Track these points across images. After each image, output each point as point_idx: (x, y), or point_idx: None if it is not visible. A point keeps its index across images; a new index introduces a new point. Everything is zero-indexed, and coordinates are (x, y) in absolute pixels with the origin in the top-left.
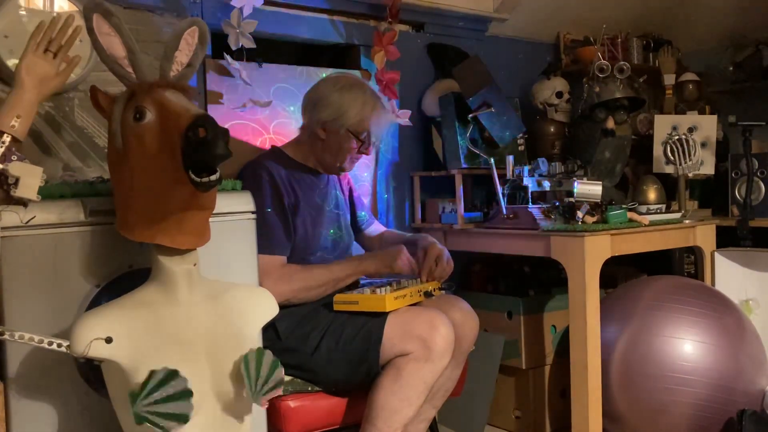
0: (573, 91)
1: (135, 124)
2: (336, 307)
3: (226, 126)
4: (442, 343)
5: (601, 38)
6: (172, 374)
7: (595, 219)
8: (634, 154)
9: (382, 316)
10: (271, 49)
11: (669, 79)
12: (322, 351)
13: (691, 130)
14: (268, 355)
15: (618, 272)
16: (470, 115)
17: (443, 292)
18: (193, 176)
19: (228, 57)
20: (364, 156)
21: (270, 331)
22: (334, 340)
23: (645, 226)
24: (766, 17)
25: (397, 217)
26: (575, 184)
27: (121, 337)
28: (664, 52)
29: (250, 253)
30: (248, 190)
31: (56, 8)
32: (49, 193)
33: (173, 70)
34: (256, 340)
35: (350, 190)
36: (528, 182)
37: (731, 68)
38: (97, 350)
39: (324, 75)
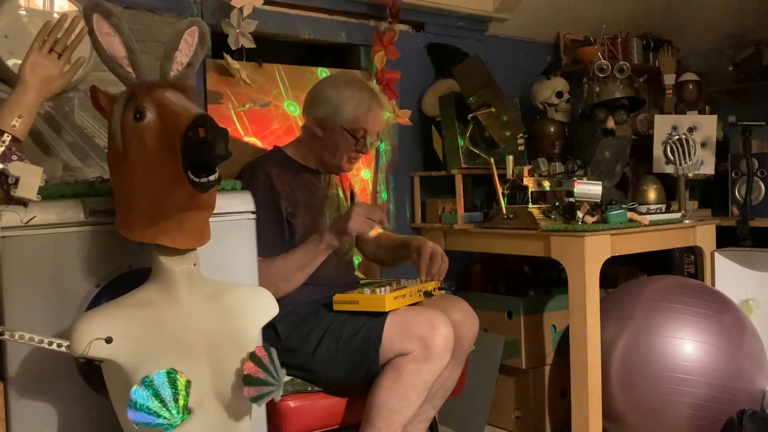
0: (573, 91)
1: (135, 124)
2: (336, 307)
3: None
4: (442, 343)
5: (601, 38)
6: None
7: (595, 219)
8: (634, 154)
9: (382, 315)
10: (271, 49)
11: (669, 79)
12: (322, 351)
13: (691, 130)
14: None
15: (618, 272)
16: (470, 115)
17: (443, 291)
18: (192, 176)
19: (228, 57)
20: (364, 155)
21: (270, 331)
22: (334, 340)
23: (645, 226)
24: (766, 17)
25: (397, 217)
26: (575, 184)
27: (121, 337)
28: (664, 52)
29: (250, 253)
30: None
31: (56, 8)
32: (49, 193)
33: (173, 70)
34: (256, 340)
35: (351, 192)
36: (528, 182)
37: (731, 68)
38: (97, 350)
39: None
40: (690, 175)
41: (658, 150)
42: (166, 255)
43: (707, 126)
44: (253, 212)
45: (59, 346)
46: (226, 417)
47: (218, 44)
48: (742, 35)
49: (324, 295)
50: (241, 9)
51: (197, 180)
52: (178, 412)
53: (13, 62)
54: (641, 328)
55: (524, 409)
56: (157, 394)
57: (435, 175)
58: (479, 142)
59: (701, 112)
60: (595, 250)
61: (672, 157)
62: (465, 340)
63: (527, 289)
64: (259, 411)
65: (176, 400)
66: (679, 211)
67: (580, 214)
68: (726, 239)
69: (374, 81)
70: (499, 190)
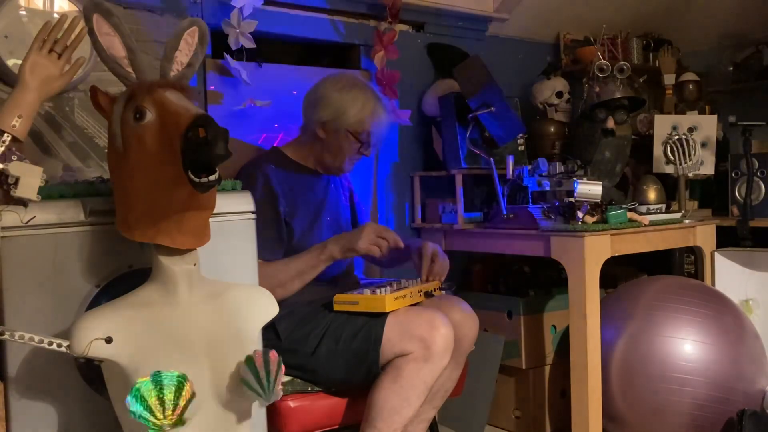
0: (573, 91)
1: (135, 125)
2: (336, 308)
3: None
4: (442, 343)
5: (601, 38)
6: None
7: (595, 219)
8: (634, 154)
9: (382, 316)
10: (271, 49)
11: (669, 79)
12: (322, 351)
13: (691, 130)
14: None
15: (618, 272)
16: (470, 115)
17: (443, 292)
18: (192, 176)
19: (228, 57)
20: (363, 156)
21: (270, 331)
22: (334, 340)
23: (645, 226)
24: (766, 17)
25: (397, 217)
26: (575, 184)
27: (121, 337)
28: (664, 52)
29: (250, 253)
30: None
31: (56, 8)
32: (49, 193)
33: (173, 70)
34: (256, 341)
35: (350, 192)
36: (528, 182)
37: (731, 68)
38: (97, 350)
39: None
40: (690, 175)
41: (658, 150)
42: (166, 255)
43: (707, 126)
44: (252, 212)
45: (59, 346)
46: (226, 417)
47: (218, 44)
48: (742, 35)
49: (324, 296)
50: (241, 9)
51: (197, 180)
52: (170, 419)
53: (13, 62)
54: (641, 328)
55: (524, 409)
56: (160, 392)
57: (435, 175)
58: (479, 142)
59: (701, 112)
60: (595, 250)
61: (672, 157)
62: (465, 340)
63: (527, 289)
64: (259, 411)
65: (174, 407)
66: (679, 211)
67: (580, 214)
68: (726, 239)
69: (374, 81)
70: (499, 190)
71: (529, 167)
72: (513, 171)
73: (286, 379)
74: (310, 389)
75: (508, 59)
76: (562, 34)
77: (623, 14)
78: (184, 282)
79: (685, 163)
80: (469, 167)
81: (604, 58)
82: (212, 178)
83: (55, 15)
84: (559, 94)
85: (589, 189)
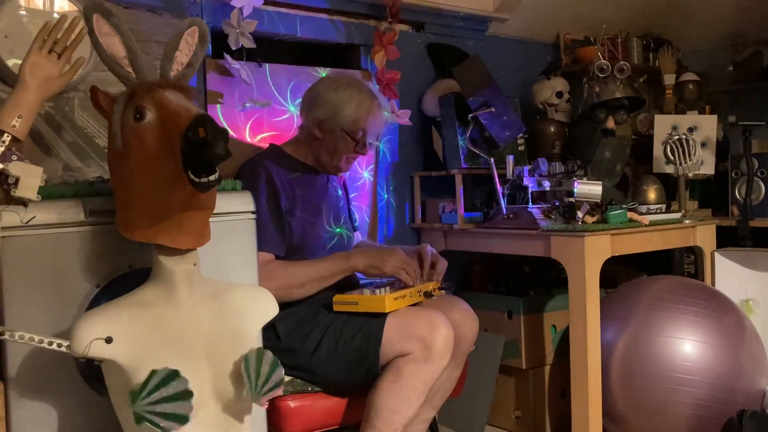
0: (573, 91)
1: (135, 124)
2: (336, 308)
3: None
4: (442, 344)
5: (601, 38)
6: (173, 374)
7: (595, 219)
8: (634, 154)
9: (382, 316)
10: (271, 49)
11: (669, 79)
12: (322, 351)
13: (691, 130)
14: (268, 355)
15: (618, 272)
16: (470, 115)
17: (443, 292)
18: (192, 176)
19: (228, 57)
20: (362, 156)
21: (270, 331)
22: (334, 340)
23: (645, 226)
24: (766, 17)
25: (397, 217)
26: (575, 184)
27: (121, 337)
28: (664, 52)
29: (250, 253)
30: (247, 189)
31: (56, 8)
32: (49, 193)
33: (173, 70)
34: (256, 340)
35: (344, 185)
36: (528, 182)
37: (731, 68)
38: (97, 350)
39: (323, 74)
40: (690, 175)
41: (658, 150)
42: (166, 255)
43: (707, 126)
44: (253, 212)
45: (59, 346)
46: (226, 417)
47: (218, 44)
48: (742, 35)
49: (324, 296)
50: (241, 9)
51: (197, 180)
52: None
53: (13, 62)
54: (641, 328)
55: (524, 409)
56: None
57: (435, 175)
58: (479, 142)
59: (701, 112)
60: (595, 250)
61: (672, 157)
62: (465, 340)
63: (527, 289)
64: (259, 411)
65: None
66: (679, 211)
67: (580, 214)
68: (726, 239)
69: (374, 81)
70: (499, 190)
71: (529, 167)
72: (513, 171)
73: (287, 379)
74: (310, 389)
75: (508, 59)
76: (562, 34)
77: (623, 14)
78: (184, 282)
79: (685, 163)
80: (469, 167)
81: (604, 58)
82: (212, 178)
83: (55, 15)
84: (559, 94)
85: (589, 189)
